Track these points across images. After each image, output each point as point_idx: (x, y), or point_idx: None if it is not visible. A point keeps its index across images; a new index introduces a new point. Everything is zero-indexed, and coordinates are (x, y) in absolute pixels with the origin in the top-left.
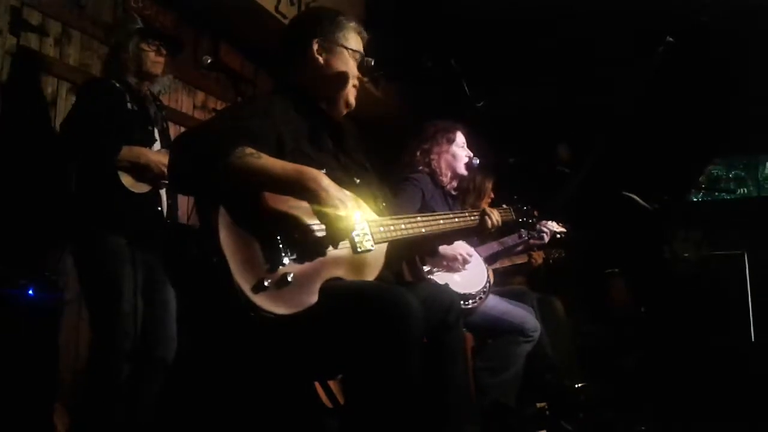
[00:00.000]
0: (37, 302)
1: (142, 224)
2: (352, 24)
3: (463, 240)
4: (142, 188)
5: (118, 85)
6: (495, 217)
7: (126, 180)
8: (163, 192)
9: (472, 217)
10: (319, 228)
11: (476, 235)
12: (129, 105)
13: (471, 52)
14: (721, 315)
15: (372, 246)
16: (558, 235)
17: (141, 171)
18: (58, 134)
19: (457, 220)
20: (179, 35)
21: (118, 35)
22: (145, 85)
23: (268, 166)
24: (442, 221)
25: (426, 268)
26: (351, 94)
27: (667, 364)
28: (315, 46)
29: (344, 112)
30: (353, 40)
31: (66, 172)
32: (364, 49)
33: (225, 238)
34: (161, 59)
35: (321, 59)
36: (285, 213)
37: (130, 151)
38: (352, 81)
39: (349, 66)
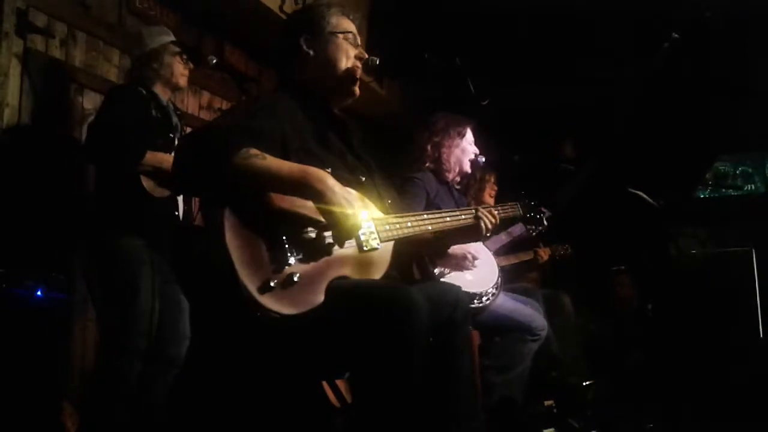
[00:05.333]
0: (46, 302)
1: (159, 227)
2: (334, 8)
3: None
4: (162, 193)
5: (144, 92)
6: (489, 219)
7: (147, 184)
8: (180, 197)
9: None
10: (324, 227)
11: (476, 238)
12: (153, 112)
13: (475, 49)
14: (728, 312)
15: (378, 245)
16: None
17: (162, 176)
18: (84, 136)
19: (463, 217)
20: (204, 50)
21: (152, 44)
22: (168, 94)
23: (273, 167)
24: (448, 218)
25: (437, 270)
26: (352, 76)
27: (674, 361)
28: (304, 44)
29: (349, 99)
30: (340, 23)
31: (82, 173)
32: (366, 45)
33: (231, 239)
34: (188, 72)
35: (312, 53)
36: (290, 213)
37: (154, 157)
38: (349, 62)
39: (342, 49)
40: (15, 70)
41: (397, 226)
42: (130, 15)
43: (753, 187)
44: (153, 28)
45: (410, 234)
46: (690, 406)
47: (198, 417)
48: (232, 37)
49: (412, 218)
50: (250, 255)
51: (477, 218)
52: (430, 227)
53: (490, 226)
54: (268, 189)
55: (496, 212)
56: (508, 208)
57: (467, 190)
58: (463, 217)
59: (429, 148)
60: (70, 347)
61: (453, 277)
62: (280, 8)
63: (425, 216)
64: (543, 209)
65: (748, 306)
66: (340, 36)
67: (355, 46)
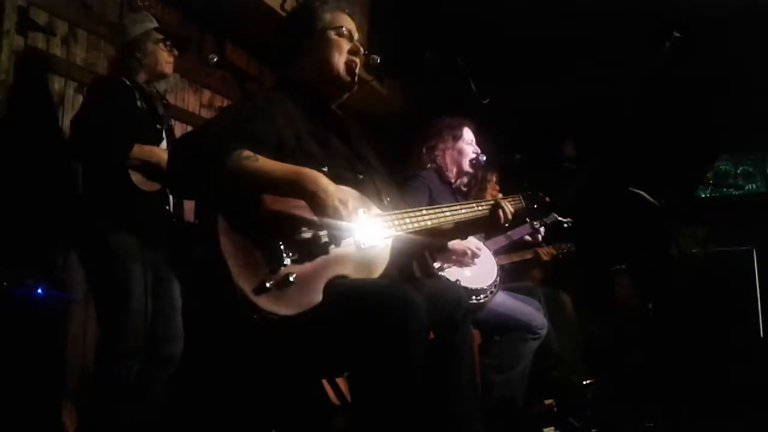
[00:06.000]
0: (46, 301)
1: (150, 222)
2: (329, 4)
3: (475, 236)
4: (152, 187)
5: (128, 83)
6: (508, 208)
7: (136, 178)
8: None
9: (480, 207)
10: (319, 227)
11: (489, 229)
12: (139, 103)
13: (476, 48)
14: (729, 311)
15: (376, 242)
16: (565, 224)
17: (151, 169)
18: (69, 132)
19: (464, 211)
20: (187, 34)
21: (134, 32)
22: (152, 84)
23: (266, 169)
24: (448, 213)
25: (436, 265)
26: (347, 71)
27: (674, 361)
28: (301, 44)
29: (345, 94)
30: (334, 18)
31: (73, 170)
32: (367, 43)
33: (225, 243)
34: (172, 59)
35: (309, 52)
36: (285, 213)
37: (141, 150)
38: (342, 58)
39: (335, 45)
40: (15, 68)
41: (396, 222)
42: (131, 13)
43: (754, 186)
44: (135, 15)
45: (409, 230)
46: (690, 406)
47: (199, 417)
48: (233, 35)
49: (411, 214)
50: (245, 257)
51: (497, 206)
52: (429, 223)
53: (509, 216)
54: (262, 191)
55: (513, 206)
56: (512, 202)
57: (469, 191)
58: (464, 211)
59: (424, 151)
60: (69, 346)
61: (451, 273)
62: (282, 6)
63: (424, 211)
64: (546, 198)
65: (748, 306)
66: (332, 32)
67: (350, 39)
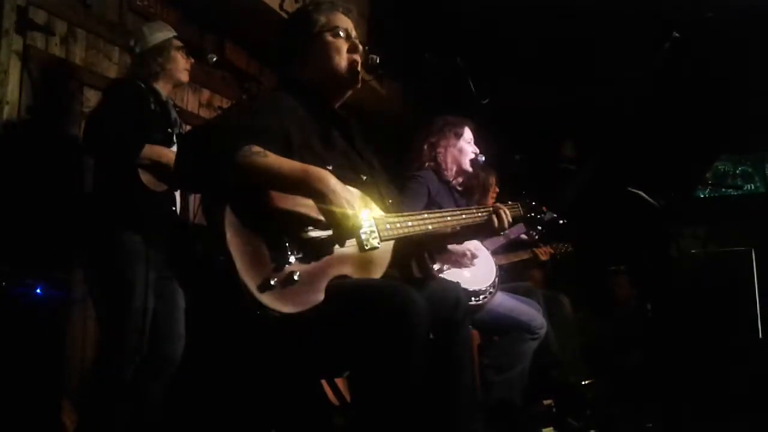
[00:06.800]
0: (45, 301)
1: (157, 222)
2: (324, 5)
3: (476, 239)
4: (160, 187)
5: (144, 86)
6: (507, 215)
7: (146, 178)
8: (177, 192)
9: (480, 213)
10: (325, 226)
11: (488, 233)
12: (153, 106)
13: (476, 49)
14: (728, 312)
15: (378, 244)
16: (561, 221)
17: (161, 170)
18: (83, 129)
19: (464, 216)
20: (204, 47)
21: (156, 39)
22: (169, 90)
23: (275, 165)
24: (449, 218)
25: (436, 266)
26: (349, 69)
27: (674, 361)
28: (299, 47)
29: (348, 92)
30: (329, 19)
31: (80, 169)
32: (365, 41)
33: (231, 238)
34: (189, 66)
35: (308, 55)
36: (291, 212)
37: (152, 150)
38: (343, 59)
39: (333, 47)
40: (15, 67)
41: (398, 225)
42: (131, 13)
43: (753, 186)
44: (153, 24)
45: (411, 233)
46: (690, 406)
47: (197, 415)
48: (233, 35)
49: (413, 217)
50: (250, 254)
51: (494, 212)
52: (430, 227)
53: (506, 224)
54: (270, 187)
55: (511, 213)
56: (510, 209)
57: (471, 194)
58: (464, 216)
59: (426, 147)
60: (69, 345)
61: (450, 274)
62: (281, 6)
63: (426, 215)
64: (544, 209)
65: (747, 306)
66: (329, 34)
67: (347, 38)
